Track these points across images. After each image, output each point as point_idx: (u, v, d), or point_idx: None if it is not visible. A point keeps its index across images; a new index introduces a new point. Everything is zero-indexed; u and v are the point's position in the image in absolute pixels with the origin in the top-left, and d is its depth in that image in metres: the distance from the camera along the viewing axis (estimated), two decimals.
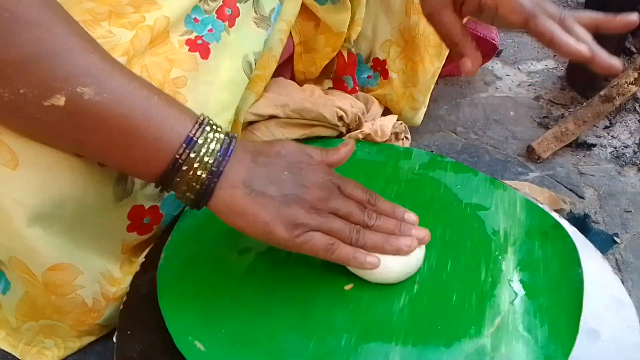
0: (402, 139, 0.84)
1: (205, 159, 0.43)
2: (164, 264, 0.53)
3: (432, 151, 0.91)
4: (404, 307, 0.49)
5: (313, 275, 0.52)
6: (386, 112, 0.88)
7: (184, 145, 0.43)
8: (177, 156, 0.43)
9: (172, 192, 0.46)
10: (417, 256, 0.52)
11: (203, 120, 0.45)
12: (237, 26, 0.58)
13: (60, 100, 0.39)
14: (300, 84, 0.82)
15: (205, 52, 0.55)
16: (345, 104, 0.78)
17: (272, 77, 0.75)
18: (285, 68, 0.79)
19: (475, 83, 1.12)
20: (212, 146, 0.44)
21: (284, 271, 0.52)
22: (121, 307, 0.52)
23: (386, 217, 0.51)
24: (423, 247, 0.53)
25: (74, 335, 0.55)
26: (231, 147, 0.45)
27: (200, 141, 0.43)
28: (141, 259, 0.56)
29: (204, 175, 0.43)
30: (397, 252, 0.50)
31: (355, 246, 0.48)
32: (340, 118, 0.76)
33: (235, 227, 0.46)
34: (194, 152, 0.43)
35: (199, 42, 0.55)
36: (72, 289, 0.50)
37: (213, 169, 0.43)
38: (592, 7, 1.03)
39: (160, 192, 0.46)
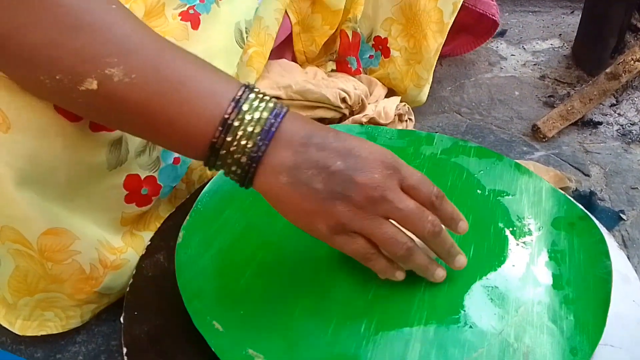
0: (406, 121, 0.84)
1: (243, 142, 0.40)
2: (182, 243, 0.53)
3: (436, 132, 0.90)
4: (424, 293, 0.47)
5: (335, 260, 0.50)
6: (389, 94, 0.88)
7: (219, 128, 0.40)
8: (214, 140, 0.40)
9: (168, 164, 0.45)
10: None
11: (245, 90, 0.40)
12: None
13: (93, 84, 0.38)
14: (302, 65, 0.82)
15: (195, 23, 0.55)
16: (348, 86, 0.78)
17: (273, 59, 0.75)
18: (286, 50, 0.79)
19: (479, 63, 1.11)
20: (249, 129, 0.40)
21: (304, 255, 0.51)
22: (128, 289, 0.52)
23: (445, 233, 0.46)
24: None
25: (73, 304, 0.55)
26: (273, 129, 0.40)
27: (236, 123, 0.39)
28: (146, 240, 0.57)
29: (243, 160, 0.40)
30: (434, 280, 0.47)
31: (397, 260, 0.45)
32: (343, 100, 0.76)
33: (280, 213, 0.43)
34: (238, 119, 0.39)
35: (191, 12, 0.55)
36: (68, 254, 0.50)
37: (252, 154, 0.40)
38: (589, 19, 1.03)
39: (210, 170, 0.43)
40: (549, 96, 1.00)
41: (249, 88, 0.41)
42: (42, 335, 0.56)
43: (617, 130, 0.92)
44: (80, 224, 0.50)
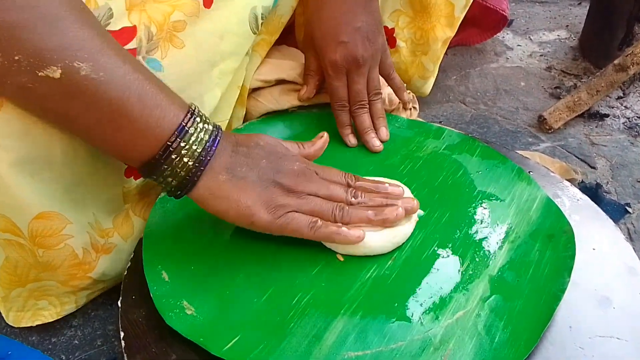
0: (410, 109, 0.83)
1: (194, 147, 0.44)
2: (161, 199, 0.56)
3: (440, 122, 0.89)
4: (368, 281, 0.48)
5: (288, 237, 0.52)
6: None
7: (176, 133, 0.43)
8: (169, 143, 0.43)
9: None
10: (404, 230, 0.51)
11: (194, 110, 0.46)
12: None
13: (56, 73, 0.38)
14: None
15: (208, 1, 0.54)
16: None
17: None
18: (286, 38, 0.78)
19: (485, 53, 1.10)
20: (201, 135, 0.45)
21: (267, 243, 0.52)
22: (125, 273, 0.51)
23: (371, 194, 0.52)
24: (413, 221, 0.52)
25: (67, 291, 0.54)
26: (218, 138, 0.46)
27: (191, 130, 0.44)
28: (136, 228, 0.56)
29: (190, 163, 0.44)
30: (385, 222, 0.50)
31: (340, 223, 0.49)
32: None
33: (219, 215, 0.47)
34: (184, 141, 0.44)
35: None
36: (60, 239, 0.49)
37: (201, 158, 0.45)
38: (597, 11, 1.01)
39: (143, 177, 0.46)
40: (555, 87, 0.99)
41: (197, 108, 0.47)
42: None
43: (623, 123, 0.91)
44: (73, 206, 0.49)
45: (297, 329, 0.44)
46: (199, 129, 0.45)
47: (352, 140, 0.66)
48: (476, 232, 0.53)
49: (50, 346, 0.57)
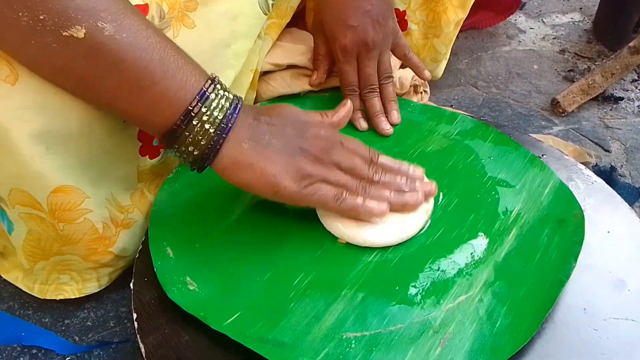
0: (421, 92, 0.82)
1: (215, 113, 0.44)
2: (171, 178, 0.56)
3: (451, 106, 0.88)
4: (370, 263, 0.48)
5: (295, 215, 0.52)
6: (404, 65, 0.86)
7: (197, 97, 0.43)
8: (190, 108, 0.43)
9: None
10: (413, 228, 0.50)
11: (215, 78, 0.45)
12: None
13: (80, 32, 0.38)
14: None
15: None
16: None
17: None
18: (297, 23, 0.77)
19: (497, 36, 1.08)
20: (222, 102, 0.44)
21: (269, 210, 0.52)
22: (137, 256, 0.51)
23: (391, 174, 0.51)
24: (424, 215, 0.51)
25: (89, 267, 0.55)
26: (239, 106, 0.45)
27: (212, 96, 0.44)
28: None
29: (212, 130, 0.44)
30: (404, 207, 0.50)
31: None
32: None
33: (242, 185, 0.46)
34: (205, 106, 0.43)
35: None
36: (80, 213, 0.49)
37: (222, 125, 0.44)
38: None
39: (165, 148, 0.46)
40: (568, 70, 0.98)
41: (217, 77, 0.46)
42: (51, 300, 0.56)
43: (638, 106, 0.90)
44: (89, 181, 0.49)
45: (297, 308, 0.44)
46: (219, 96, 0.44)
47: (362, 124, 0.65)
48: (484, 217, 0.52)
49: (63, 327, 0.58)
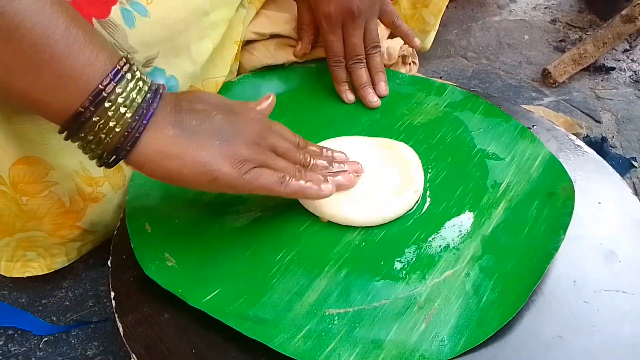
0: (410, 64, 0.80)
1: (133, 95, 0.37)
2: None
3: (441, 77, 0.86)
4: (354, 239, 0.47)
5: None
6: (393, 35, 0.83)
7: (110, 76, 0.36)
8: (102, 87, 0.36)
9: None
10: (399, 208, 0.49)
11: (130, 58, 0.39)
12: None
13: None
14: None
15: None
16: None
17: None
18: None
19: (487, 6, 1.06)
20: (139, 85, 0.38)
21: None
22: (115, 232, 0.50)
23: (319, 158, 0.49)
24: (413, 195, 0.50)
25: (56, 242, 0.53)
26: (160, 91, 0.40)
27: (128, 76, 0.37)
28: (127, 179, 0.54)
29: (129, 115, 0.37)
30: (339, 187, 0.48)
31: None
32: None
33: (171, 178, 0.40)
34: (120, 87, 0.37)
35: None
36: (44, 185, 0.47)
37: (142, 109, 0.38)
38: None
39: (65, 138, 0.38)
40: (559, 40, 0.96)
41: (133, 59, 0.40)
42: (27, 280, 0.54)
43: (629, 77, 0.88)
44: (54, 153, 0.47)
45: (279, 285, 0.43)
46: (136, 77, 0.38)
47: (349, 96, 0.63)
48: (471, 191, 0.51)
49: (40, 307, 0.57)
